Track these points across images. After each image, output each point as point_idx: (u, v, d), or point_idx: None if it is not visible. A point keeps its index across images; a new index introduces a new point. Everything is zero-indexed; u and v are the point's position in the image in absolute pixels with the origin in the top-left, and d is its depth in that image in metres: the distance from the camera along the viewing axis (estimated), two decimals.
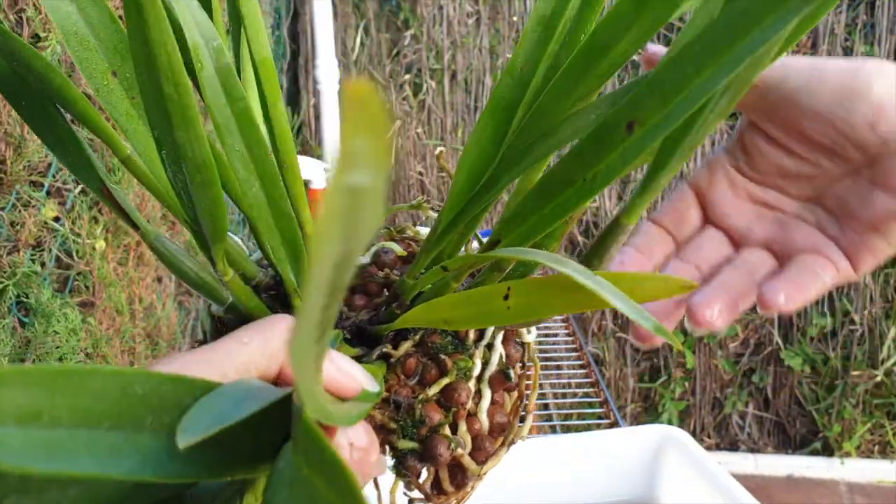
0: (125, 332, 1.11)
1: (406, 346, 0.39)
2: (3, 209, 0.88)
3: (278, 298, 0.40)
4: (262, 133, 0.32)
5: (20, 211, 0.91)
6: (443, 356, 0.39)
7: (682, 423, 2.17)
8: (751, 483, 1.93)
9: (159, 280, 1.26)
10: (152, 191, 0.34)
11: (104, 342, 1.05)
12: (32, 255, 0.94)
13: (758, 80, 0.32)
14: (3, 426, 0.16)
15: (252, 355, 0.25)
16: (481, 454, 0.40)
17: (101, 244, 1.07)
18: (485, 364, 0.40)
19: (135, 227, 0.36)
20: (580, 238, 2.26)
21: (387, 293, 0.42)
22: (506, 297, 0.29)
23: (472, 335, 0.39)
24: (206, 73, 0.30)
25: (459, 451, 0.38)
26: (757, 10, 0.19)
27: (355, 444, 0.28)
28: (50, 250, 0.98)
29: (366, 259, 0.42)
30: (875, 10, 1.97)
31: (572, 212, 0.28)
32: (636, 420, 2.21)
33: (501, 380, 0.41)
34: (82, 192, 1.05)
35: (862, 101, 0.30)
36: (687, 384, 2.16)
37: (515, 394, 0.42)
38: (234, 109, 0.31)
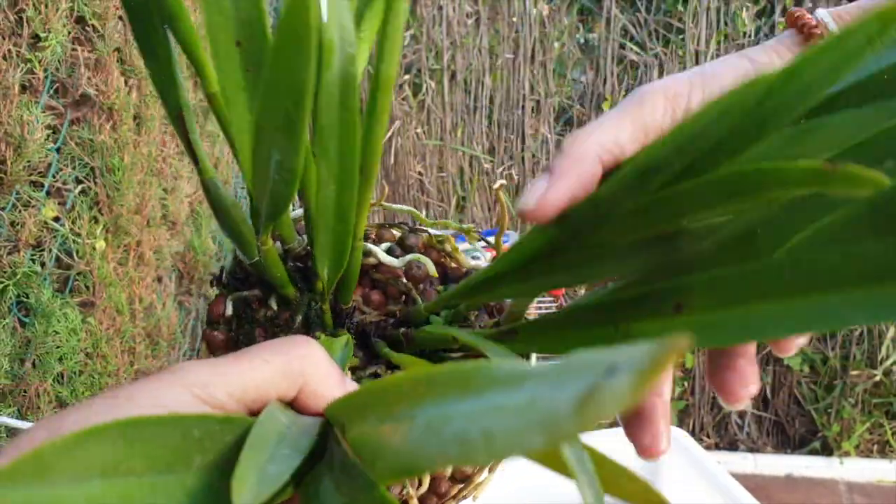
0: (125, 331, 1.11)
1: (398, 373, 0.38)
2: (3, 209, 0.88)
3: (303, 276, 0.40)
4: (358, 145, 0.32)
5: (20, 211, 0.91)
6: None
7: (681, 423, 2.17)
8: (750, 482, 1.93)
9: (159, 280, 1.26)
10: (228, 138, 0.35)
11: (104, 342, 1.05)
12: (32, 255, 0.94)
13: None
14: (90, 481, 0.17)
15: (273, 374, 0.25)
16: (434, 498, 0.39)
17: (101, 244, 1.07)
18: None
19: (195, 160, 0.36)
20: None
21: (403, 304, 0.41)
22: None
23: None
24: (330, 75, 0.30)
25: (409, 492, 0.37)
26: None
27: None
28: (50, 250, 0.98)
29: (397, 263, 0.42)
30: None
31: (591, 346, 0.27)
32: None
33: None
34: (82, 192, 1.05)
35: None
36: (686, 384, 2.16)
37: None
38: (341, 117, 0.30)
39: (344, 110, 0.30)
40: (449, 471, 0.38)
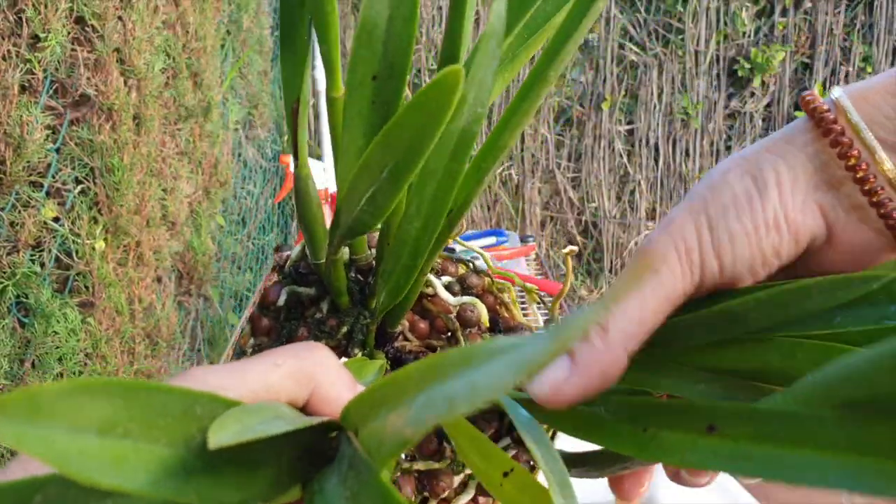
0: (125, 332, 1.11)
1: None
2: (2, 209, 0.88)
3: (361, 289, 0.40)
4: (454, 195, 0.32)
5: (20, 211, 0.91)
6: (446, 442, 0.37)
7: None
8: (750, 482, 1.93)
9: (159, 280, 1.26)
10: (333, 142, 0.36)
11: (104, 342, 1.05)
12: (32, 255, 0.94)
13: None
14: (86, 434, 0.17)
15: (284, 378, 0.25)
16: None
17: (100, 244, 1.07)
18: None
19: (296, 153, 0.37)
20: (579, 238, 2.26)
21: (445, 341, 0.41)
22: (505, 475, 0.29)
23: (491, 430, 0.38)
24: (453, 127, 0.30)
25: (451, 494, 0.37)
26: None
27: None
28: (50, 251, 0.98)
29: (453, 301, 0.41)
30: (874, 10, 1.98)
31: None
32: None
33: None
34: (82, 192, 1.05)
35: None
36: None
37: None
38: (448, 167, 0.31)
39: (453, 161, 0.30)
40: None
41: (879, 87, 0.28)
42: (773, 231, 0.27)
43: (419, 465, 0.37)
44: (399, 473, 0.37)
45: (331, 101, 0.35)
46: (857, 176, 0.27)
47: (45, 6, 0.93)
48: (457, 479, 0.38)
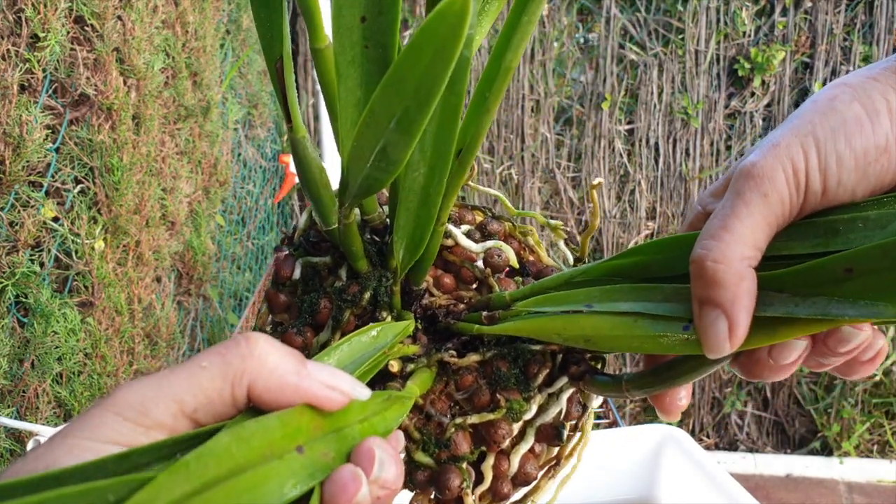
0: (124, 332, 1.11)
1: (473, 358, 0.36)
2: (2, 209, 0.88)
3: (378, 250, 0.39)
4: (457, 130, 0.30)
5: (19, 211, 0.91)
6: (499, 391, 0.36)
7: (681, 423, 2.17)
8: (750, 482, 1.93)
9: (158, 280, 1.26)
10: (327, 100, 0.33)
11: (103, 342, 1.05)
12: (31, 255, 0.94)
13: None
14: None
15: (212, 380, 0.24)
16: (494, 496, 0.37)
17: (100, 244, 1.07)
18: (541, 410, 0.37)
19: (288, 116, 0.35)
20: (580, 238, 2.26)
21: (475, 290, 0.40)
22: (686, 328, 0.29)
23: (540, 377, 0.37)
24: None
25: (468, 490, 0.36)
26: None
27: (385, 481, 0.25)
28: (49, 250, 0.97)
29: (476, 248, 0.40)
30: (874, 10, 1.97)
31: None
32: (635, 420, 2.21)
33: (550, 434, 0.38)
34: (81, 192, 1.05)
35: None
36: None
37: (555, 451, 0.39)
38: (446, 100, 0.29)
39: (451, 94, 0.28)
40: (514, 469, 0.37)
41: None
42: (883, 156, 0.27)
43: (473, 419, 0.36)
44: (454, 430, 0.36)
45: (317, 55, 0.32)
46: None
47: (45, 6, 0.93)
48: (515, 427, 0.36)
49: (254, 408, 0.25)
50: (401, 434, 0.31)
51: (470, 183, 0.43)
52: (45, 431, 0.76)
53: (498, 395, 0.37)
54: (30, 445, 0.76)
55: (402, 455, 0.36)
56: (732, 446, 2.16)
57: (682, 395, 0.34)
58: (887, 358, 2.00)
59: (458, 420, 0.36)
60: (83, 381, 1.01)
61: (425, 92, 0.25)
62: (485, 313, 0.37)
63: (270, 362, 0.25)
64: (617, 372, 0.39)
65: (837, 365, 0.30)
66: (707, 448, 2.14)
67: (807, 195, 0.28)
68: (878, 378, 2.00)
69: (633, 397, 0.34)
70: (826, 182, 0.27)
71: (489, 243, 0.40)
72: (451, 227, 0.40)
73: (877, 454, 2.05)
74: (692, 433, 2.13)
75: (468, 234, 0.41)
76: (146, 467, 0.21)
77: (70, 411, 0.98)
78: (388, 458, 0.26)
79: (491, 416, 0.36)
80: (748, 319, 0.27)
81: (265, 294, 0.42)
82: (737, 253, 0.27)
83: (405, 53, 0.24)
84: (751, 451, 2.13)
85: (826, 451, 2.08)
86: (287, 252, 0.41)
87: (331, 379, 0.26)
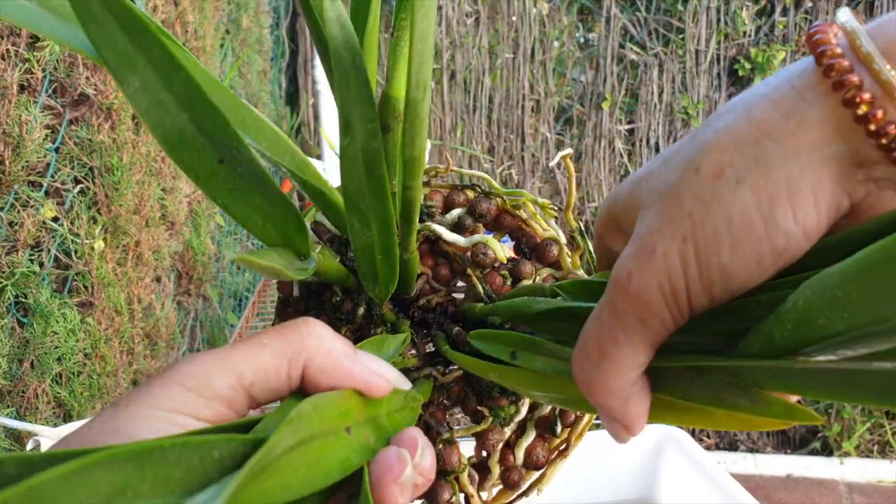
0: (124, 332, 1.11)
1: (455, 373, 0.37)
2: (1, 209, 0.88)
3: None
4: (389, 202, 0.31)
5: (19, 211, 0.91)
6: (485, 401, 0.37)
7: None
8: (750, 482, 1.93)
9: (158, 280, 1.26)
10: None
11: (103, 342, 1.05)
12: (31, 255, 0.94)
13: None
14: None
15: (271, 357, 0.25)
16: (505, 484, 0.37)
17: (99, 244, 1.06)
18: (535, 405, 0.38)
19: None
20: (580, 238, 2.26)
21: (468, 284, 0.40)
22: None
23: (505, 401, 0.37)
24: (350, 151, 0.29)
25: (470, 490, 0.36)
26: None
27: (423, 468, 0.26)
28: (49, 250, 0.97)
29: (463, 243, 0.39)
30: (874, 10, 1.97)
31: None
32: None
33: (547, 426, 0.38)
34: (81, 192, 1.04)
35: None
36: None
37: (556, 441, 0.39)
38: (370, 183, 0.30)
39: (371, 177, 0.30)
40: (520, 459, 0.38)
41: None
42: (784, 257, 0.22)
43: (460, 434, 0.37)
44: (441, 445, 0.36)
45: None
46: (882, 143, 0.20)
47: None
48: (508, 430, 0.37)
49: (299, 390, 0.26)
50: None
51: (454, 168, 0.43)
52: (44, 431, 0.76)
53: (481, 406, 0.37)
54: (29, 445, 0.76)
55: None
56: (733, 446, 2.16)
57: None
58: None
59: (446, 435, 0.36)
60: (83, 382, 1.00)
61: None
62: (455, 329, 0.37)
63: (327, 344, 0.26)
64: None
65: None
66: (707, 448, 2.13)
67: (691, 308, 0.24)
68: None
69: None
70: (713, 294, 0.23)
71: (476, 238, 0.40)
72: (435, 227, 0.40)
73: (877, 454, 2.05)
74: (692, 433, 2.13)
75: (459, 218, 0.40)
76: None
77: (69, 411, 0.98)
78: (427, 446, 0.27)
79: (478, 428, 0.37)
80: (643, 419, 0.26)
81: (276, 308, 0.43)
82: (618, 383, 0.25)
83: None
84: (751, 451, 2.13)
85: (826, 451, 2.08)
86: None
87: (378, 367, 0.27)
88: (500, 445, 0.37)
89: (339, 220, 0.39)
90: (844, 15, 0.21)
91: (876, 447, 2.05)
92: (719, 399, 0.22)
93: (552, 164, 0.40)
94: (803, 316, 0.19)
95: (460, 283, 0.41)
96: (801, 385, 0.20)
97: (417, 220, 0.34)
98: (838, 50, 0.21)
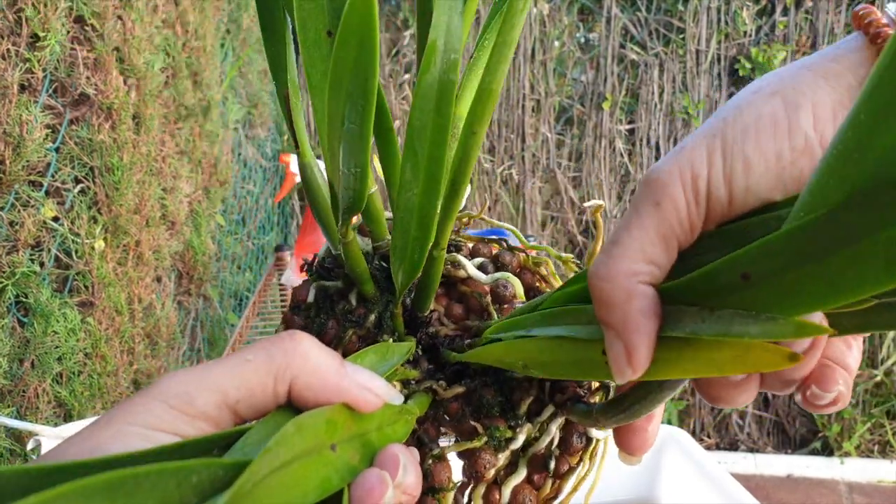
0: (124, 332, 1.11)
1: (456, 389, 0.36)
2: (2, 209, 0.88)
3: (387, 276, 0.39)
4: (448, 155, 0.30)
5: (19, 211, 0.91)
6: (482, 418, 0.36)
7: (681, 423, 2.16)
8: (750, 483, 1.93)
9: (158, 280, 1.26)
10: (320, 122, 0.35)
11: (103, 342, 1.05)
12: (31, 254, 0.94)
13: None
14: None
15: (255, 373, 0.24)
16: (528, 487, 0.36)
17: (100, 244, 1.06)
18: (533, 440, 0.36)
19: (296, 141, 0.36)
20: (580, 238, 2.26)
21: (481, 320, 0.40)
22: (604, 352, 0.25)
23: (525, 405, 0.36)
24: (428, 78, 0.28)
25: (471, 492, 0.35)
26: None
27: (407, 486, 0.26)
28: (49, 250, 0.97)
29: (485, 279, 0.40)
30: None
31: None
32: None
33: (540, 464, 0.37)
34: (81, 191, 1.04)
35: None
36: (687, 384, 2.16)
37: (556, 484, 0.38)
38: (434, 122, 0.29)
39: (438, 115, 0.29)
40: (505, 499, 0.36)
41: None
42: (802, 159, 0.24)
43: (452, 449, 0.36)
44: (431, 461, 0.36)
45: (303, 167, 0.35)
46: None
47: (45, 5, 0.93)
48: (501, 457, 0.36)
49: (287, 405, 0.25)
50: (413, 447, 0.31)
51: (484, 217, 0.44)
52: (44, 431, 0.76)
53: (478, 422, 0.36)
54: (29, 445, 0.76)
55: None
56: (733, 446, 2.16)
57: (646, 433, 0.31)
58: (888, 358, 2.00)
59: (436, 451, 0.36)
60: (83, 381, 1.00)
61: (359, 87, 0.26)
62: (467, 341, 0.37)
63: (313, 359, 0.25)
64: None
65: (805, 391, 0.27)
66: (708, 448, 2.13)
67: (710, 203, 0.24)
68: (878, 378, 2.00)
69: (605, 427, 0.33)
70: (732, 189, 0.24)
71: (497, 275, 0.40)
72: (461, 258, 0.40)
73: (877, 454, 2.05)
74: (693, 433, 2.13)
75: (481, 266, 0.41)
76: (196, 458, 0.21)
77: (70, 411, 0.98)
78: (410, 463, 0.26)
79: (470, 445, 0.35)
80: (646, 342, 0.24)
81: (282, 317, 0.43)
82: (622, 268, 0.24)
83: (335, 53, 0.25)
84: (751, 451, 2.13)
85: (827, 451, 2.08)
86: (305, 278, 0.43)
87: (368, 381, 0.26)
88: (491, 472, 0.35)
89: (371, 226, 0.39)
90: (895, 7, 0.25)
91: (876, 447, 2.05)
92: (728, 330, 0.22)
93: (586, 205, 0.40)
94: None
95: (470, 324, 0.41)
96: (815, 284, 0.19)
97: (464, 193, 0.33)
98: (884, 20, 0.24)
